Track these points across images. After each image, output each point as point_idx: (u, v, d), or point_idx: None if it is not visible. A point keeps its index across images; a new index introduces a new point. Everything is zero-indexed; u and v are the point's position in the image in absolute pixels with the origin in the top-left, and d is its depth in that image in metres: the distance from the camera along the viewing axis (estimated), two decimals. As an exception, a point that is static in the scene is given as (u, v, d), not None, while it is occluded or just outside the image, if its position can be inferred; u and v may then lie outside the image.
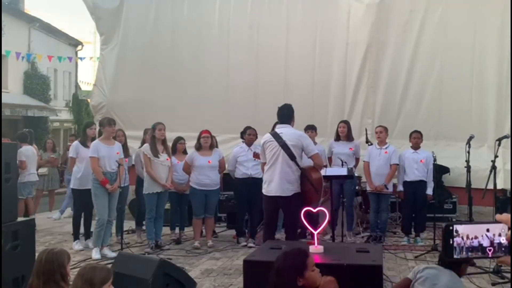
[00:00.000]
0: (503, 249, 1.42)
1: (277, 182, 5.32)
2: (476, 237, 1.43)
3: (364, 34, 9.21)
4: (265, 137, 5.59)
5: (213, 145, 7.41)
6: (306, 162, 5.61)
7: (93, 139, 7.14)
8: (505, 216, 1.43)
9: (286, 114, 5.54)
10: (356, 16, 9.29)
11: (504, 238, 1.41)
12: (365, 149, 7.80)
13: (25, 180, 8.66)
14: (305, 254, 3.02)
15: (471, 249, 1.43)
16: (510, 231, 1.39)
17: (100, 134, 6.94)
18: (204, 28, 9.92)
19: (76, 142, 7.43)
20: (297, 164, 5.34)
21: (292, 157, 5.30)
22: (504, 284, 5.26)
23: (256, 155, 6.87)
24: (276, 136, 5.40)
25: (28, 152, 8.75)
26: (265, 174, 5.50)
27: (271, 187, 5.39)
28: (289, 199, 5.27)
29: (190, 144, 7.64)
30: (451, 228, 1.43)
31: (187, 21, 9.99)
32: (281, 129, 5.46)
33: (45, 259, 3.02)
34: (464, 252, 1.43)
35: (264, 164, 5.56)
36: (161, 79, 10.04)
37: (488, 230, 1.43)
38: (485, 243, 1.43)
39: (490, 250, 1.42)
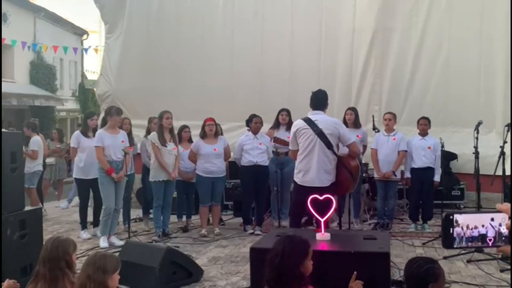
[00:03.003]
0: (503, 238, 1.41)
1: (314, 172, 5.07)
2: (476, 227, 1.41)
3: (370, 20, 9.13)
4: (298, 124, 5.27)
5: (218, 133, 7.39)
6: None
7: (94, 129, 7.14)
8: (505, 205, 1.41)
9: (320, 99, 5.27)
10: (362, 1, 9.20)
11: (504, 227, 1.40)
12: (372, 136, 7.76)
13: (34, 170, 8.72)
14: (308, 243, 3.04)
15: (471, 239, 1.41)
16: (510, 221, 1.37)
17: (104, 122, 6.91)
18: (208, 16, 9.87)
19: (77, 132, 7.44)
20: (334, 153, 5.11)
21: (329, 145, 5.06)
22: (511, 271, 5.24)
23: (277, 140, 6.75)
24: (311, 123, 5.10)
25: (39, 142, 8.82)
26: (299, 163, 5.20)
27: (308, 177, 5.12)
28: (326, 189, 4.95)
29: (195, 133, 7.63)
30: (451, 217, 1.41)
31: (191, 9, 9.94)
32: (316, 116, 5.18)
33: (50, 247, 3.04)
34: (464, 242, 1.41)
35: (295, 151, 5.26)
36: (166, 68, 10.02)
37: (493, 220, 1.42)
38: (490, 233, 1.41)
39: (490, 240, 1.41)
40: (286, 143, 6.58)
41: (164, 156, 6.94)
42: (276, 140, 6.81)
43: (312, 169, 5.09)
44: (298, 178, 5.23)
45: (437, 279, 2.76)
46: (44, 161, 9.52)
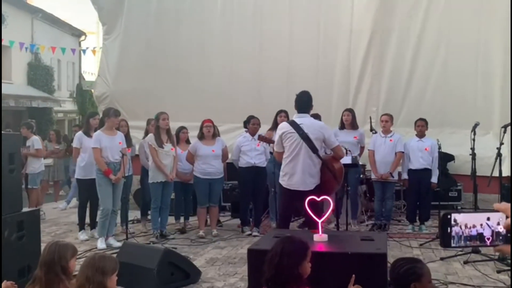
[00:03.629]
0: (500, 237, 1.42)
1: (299, 175, 5.14)
2: (474, 226, 1.42)
3: (368, 21, 9.14)
4: (283, 127, 5.34)
5: (215, 134, 7.40)
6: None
7: (96, 129, 7.15)
8: (503, 205, 1.42)
9: (305, 101, 5.33)
10: (360, 2, 9.22)
11: (502, 227, 1.41)
12: (369, 138, 7.77)
13: (39, 170, 8.73)
14: (307, 245, 3.06)
15: (469, 238, 1.43)
16: (509, 219, 1.38)
17: (101, 124, 6.91)
18: (207, 17, 9.88)
19: (79, 133, 7.45)
20: (319, 157, 5.17)
21: (314, 149, 5.12)
22: (509, 271, 5.25)
23: (262, 138, 6.82)
24: (297, 127, 5.17)
25: (39, 141, 8.84)
26: (285, 166, 5.27)
27: (293, 181, 5.18)
28: (311, 192, 4.96)
29: (193, 134, 7.63)
30: (448, 217, 1.42)
31: (190, 9, 9.95)
32: (301, 119, 5.24)
33: (48, 250, 3.05)
34: (462, 241, 1.43)
35: (280, 153, 5.33)
36: (164, 69, 10.01)
37: (489, 219, 1.43)
38: (486, 232, 1.42)
39: (488, 239, 1.42)
40: (271, 141, 6.61)
41: (161, 157, 6.94)
42: (261, 138, 6.84)
43: (297, 173, 5.16)
44: (283, 181, 5.27)
45: (419, 279, 2.76)
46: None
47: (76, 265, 3.23)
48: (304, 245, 3.01)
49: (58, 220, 8.73)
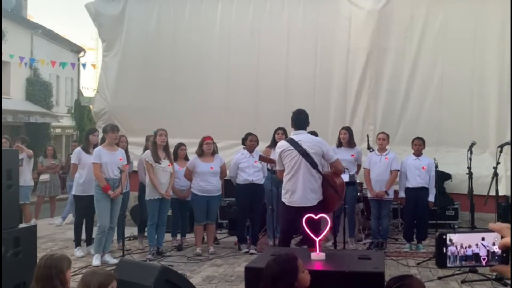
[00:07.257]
0: (496, 257, 1.43)
1: (301, 192, 5.17)
2: (470, 246, 1.43)
3: (365, 40, 9.25)
4: (282, 145, 5.41)
5: (214, 151, 7.41)
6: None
7: (95, 145, 7.16)
8: (498, 225, 1.44)
9: (303, 119, 5.40)
10: (357, 22, 9.33)
11: (497, 247, 1.42)
12: (366, 156, 7.80)
13: (28, 184, 8.68)
14: (294, 258, 3.02)
15: (465, 258, 1.44)
16: (505, 239, 1.39)
17: (103, 140, 6.94)
18: (205, 34, 9.97)
19: (78, 149, 7.45)
20: (319, 172, 5.21)
21: (314, 165, 5.16)
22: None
23: (262, 158, 6.88)
24: (295, 144, 5.23)
25: (25, 155, 8.80)
26: (286, 183, 5.31)
27: (294, 198, 5.21)
28: (313, 208, 5.00)
29: (192, 150, 7.65)
30: (444, 237, 1.43)
31: (189, 27, 10.05)
32: (299, 136, 5.30)
33: (44, 265, 3.03)
34: (458, 261, 1.43)
35: (281, 171, 5.39)
36: (163, 85, 10.08)
37: (483, 239, 1.44)
38: (482, 252, 1.43)
39: (484, 259, 1.43)
40: (271, 161, 6.65)
41: (158, 174, 6.93)
42: (262, 158, 6.91)
43: (298, 189, 5.19)
44: (285, 198, 5.31)
45: None
46: (38, 177, 9.51)
47: (74, 282, 3.22)
48: (291, 261, 2.97)
49: (54, 236, 8.68)
